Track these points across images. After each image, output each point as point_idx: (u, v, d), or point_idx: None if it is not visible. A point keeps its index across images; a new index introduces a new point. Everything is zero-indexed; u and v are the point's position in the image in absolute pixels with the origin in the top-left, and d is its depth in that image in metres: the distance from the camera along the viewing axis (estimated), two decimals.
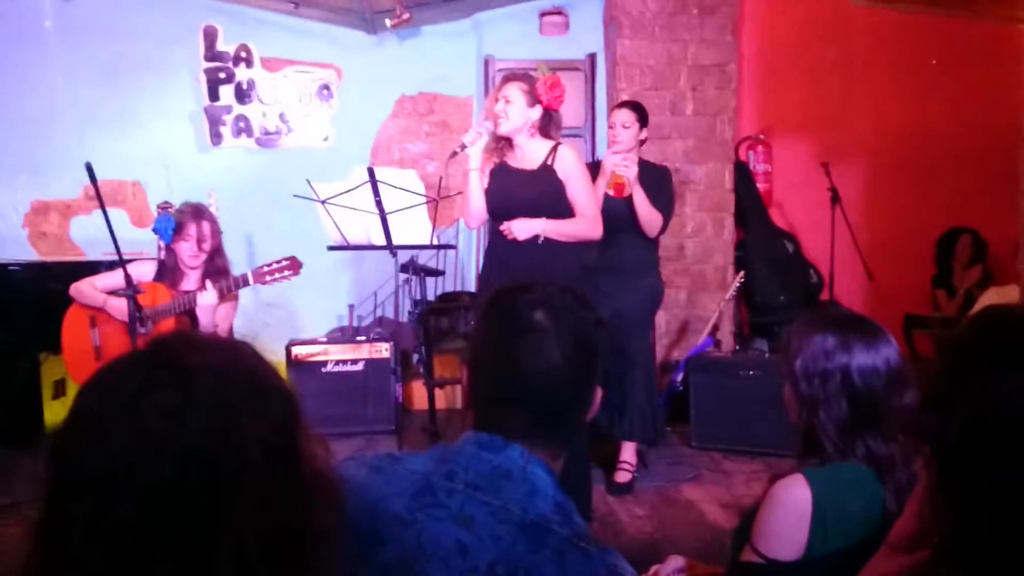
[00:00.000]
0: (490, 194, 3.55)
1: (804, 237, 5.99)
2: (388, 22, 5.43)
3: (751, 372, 4.53)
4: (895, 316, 5.59)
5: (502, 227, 3.48)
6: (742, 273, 4.87)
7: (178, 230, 3.75)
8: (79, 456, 0.79)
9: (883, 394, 1.72)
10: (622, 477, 4.04)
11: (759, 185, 5.92)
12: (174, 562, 0.76)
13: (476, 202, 3.54)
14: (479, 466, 1.24)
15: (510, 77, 3.60)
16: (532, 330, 1.28)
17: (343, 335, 5.33)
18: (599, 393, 1.36)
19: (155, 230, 3.80)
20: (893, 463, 1.70)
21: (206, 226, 3.79)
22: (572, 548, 1.17)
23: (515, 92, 3.48)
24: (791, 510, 1.66)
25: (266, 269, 3.62)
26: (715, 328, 4.83)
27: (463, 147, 3.52)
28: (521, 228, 3.44)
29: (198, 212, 3.83)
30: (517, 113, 3.47)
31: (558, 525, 1.19)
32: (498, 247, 3.57)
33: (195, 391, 0.81)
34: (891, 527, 1.62)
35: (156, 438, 0.78)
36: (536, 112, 3.50)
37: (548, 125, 3.57)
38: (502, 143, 3.58)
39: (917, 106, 6.02)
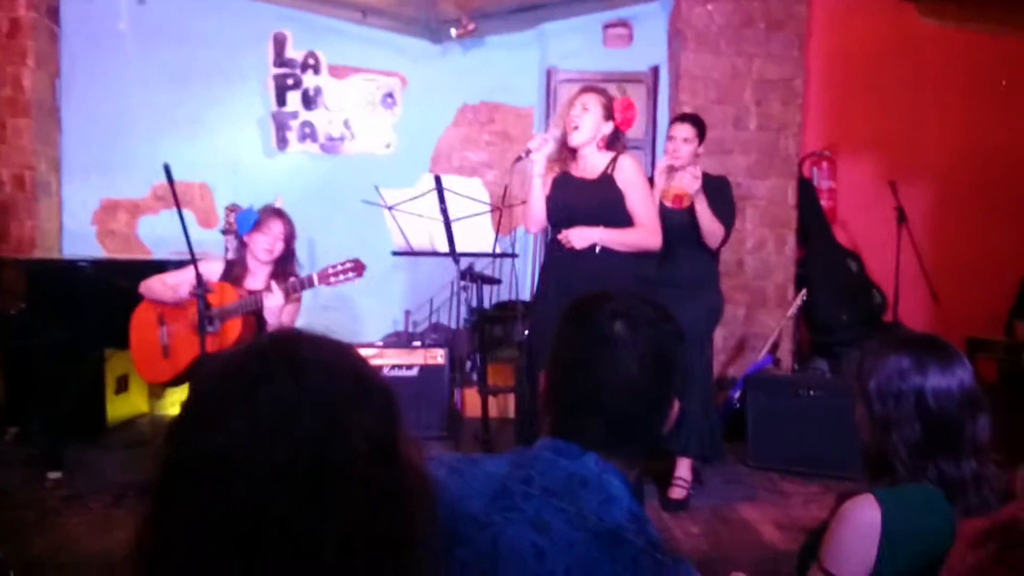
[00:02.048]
0: (551, 202, 3.59)
1: (868, 256, 5.89)
2: (453, 32, 5.50)
3: (811, 392, 4.47)
4: (958, 339, 5.46)
5: (560, 235, 3.50)
6: (804, 291, 4.81)
7: (258, 224, 3.84)
8: (198, 439, 0.83)
9: (957, 417, 1.70)
10: (677, 493, 4.00)
11: (823, 202, 5.84)
12: (282, 547, 0.79)
13: (537, 207, 3.58)
14: (555, 472, 1.25)
15: (589, 88, 3.66)
16: (612, 340, 1.29)
17: (399, 340, 5.38)
18: (676, 406, 1.36)
19: (237, 220, 3.90)
20: (964, 486, 1.68)
21: (286, 225, 3.89)
22: (646, 558, 1.17)
23: (594, 102, 3.54)
24: (860, 530, 1.65)
25: (331, 271, 3.67)
26: (775, 346, 4.78)
27: (528, 152, 3.57)
28: (579, 236, 3.46)
29: (280, 212, 3.94)
30: (591, 123, 3.53)
31: (633, 534, 1.19)
32: (555, 256, 3.59)
33: (308, 383, 0.84)
34: None
35: (271, 425, 0.81)
36: (608, 127, 3.56)
37: (614, 143, 3.62)
38: (566, 153, 3.61)
39: (986, 127, 5.90)
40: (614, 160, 3.57)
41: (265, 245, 3.85)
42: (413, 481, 0.89)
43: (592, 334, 1.31)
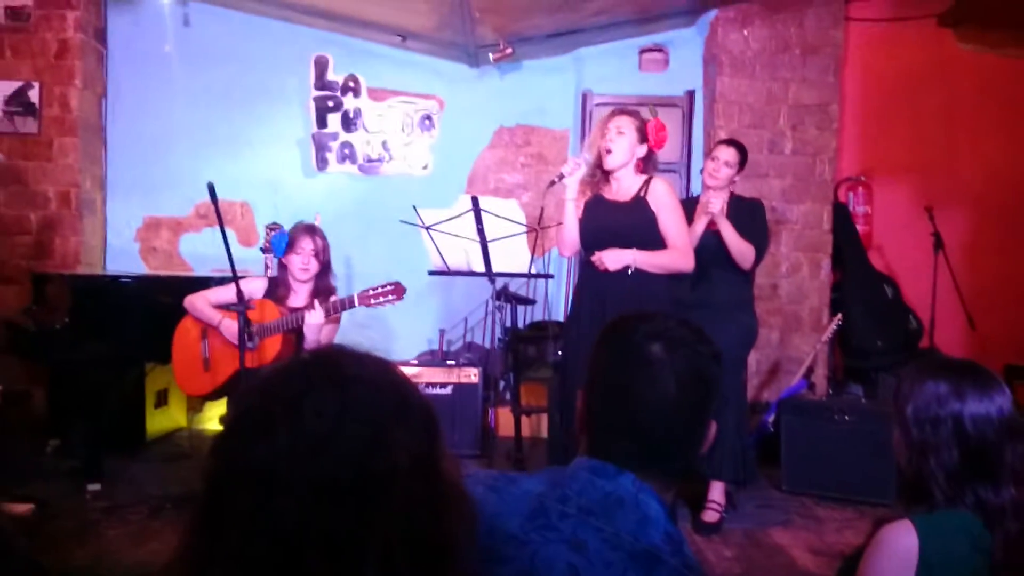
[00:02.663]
0: (584, 224, 3.61)
1: (904, 282, 5.85)
2: (491, 56, 5.56)
3: (846, 417, 4.44)
4: (996, 366, 5.39)
5: (593, 257, 3.52)
6: (839, 316, 4.78)
7: (291, 244, 3.91)
8: (243, 451, 0.84)
9: (995, 443, 1.70)
10: (710, 516, 3.99)
11: (859, 227, 5.81)
12: (325, 559, 0.80)
13: (571, 231, 3.60)
14: (592, 492, 1.25)
15: (621, 111, 3.68)
16: (649, 362, 1.29)
17: (433, 358, 5.42)
18: (713, 428, 1.36)
19: (272, 244, 3.97)
20: (1003, 513, 1.67)
21: (319, 241, 3.94)
22: None
23: (628, 126, 3.56)
24: (897, 556, 1.65)
25: (371, 293, 3.71)
26: (809, 370, 4.75)
27: (561, 176, 3.59)
28: (612, 259, 3.48)
29: (311, 228, 4.00)
30: (627, 147, 3.56)
31: (669, 555, 1.19)
32: (589, 277, 3.61)
33: (351, 398, 0.86)
34: None
35: (315, 438, 0.83)
36: (643, 151, 3.59)
37: (648, 164, 3.65)
38: (598, 175, 3.64)
39: (1022, 153, 5.85)
40: (647, 183, 3.59)
41: (300, 264, 3.90)
42: (453, 497, 0.91)
43: (629, 355, 1.32)
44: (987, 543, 1.64)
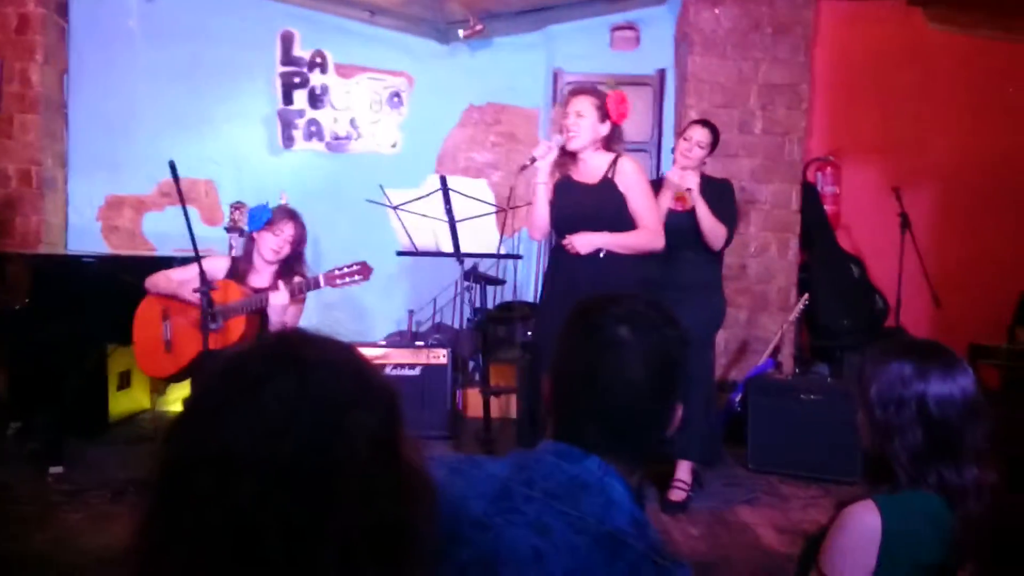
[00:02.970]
0: (554, 208, 3.59)
1: (871, 262, 5.89)
2: (461, 33, 5.52)
3: (812, 396, 4.48)
4: (960, 345, 5.46)
5: (564, 241, 3.50)
6: (806, 296, 4.81)
7: (270, 223, 3.85)
8: (201, 436, 0.83)
9: (958, 424, 1.70)
10: (676, 496, 4.01)
11: (826, 207, 5.84)
12: (283, 544, 0.79)
13: (542, 215, 3.58)
14: (558, 475, 1.25)
15: (579, 90, 3.63)
16: (616, 344, 1.28)
17: (402, 340, 5.39)
18: (679, 410, 1.36)
19: (250, 215, 3.91)
20: (966, 492, 1.68)
21: (297, 229, 3.88)
22: (647, 562, 1.17)
23: (587, 106, 3.51)
24: (860, 536, 1.66)
25: (337, 273, 3.67)
26: (776, 350, 4.78)
27: (533, 160, 3.55)
28: (583, 242, 3.47)
29: (294, 215, 3.94)
30: (589, 128, 3.52)
31: (634, 539, 1.19)
32: (560, 260, 3.60)
33: (310, 383, 0.85)
34: (960, 557, 1.61)
35: (274, 423, 0.82)
36: (606, 128, 3.55)
37: (613, 139, 3.61)
38: (567, 157, 3.61)
39: (991, 134, 5.89)
40: (614, 163, 3.56)
41: (273, 245, 3.85)
42: (413, 481, 0.90)
43: (597, 338, 1.31)
44: (949, 523, 1.65)
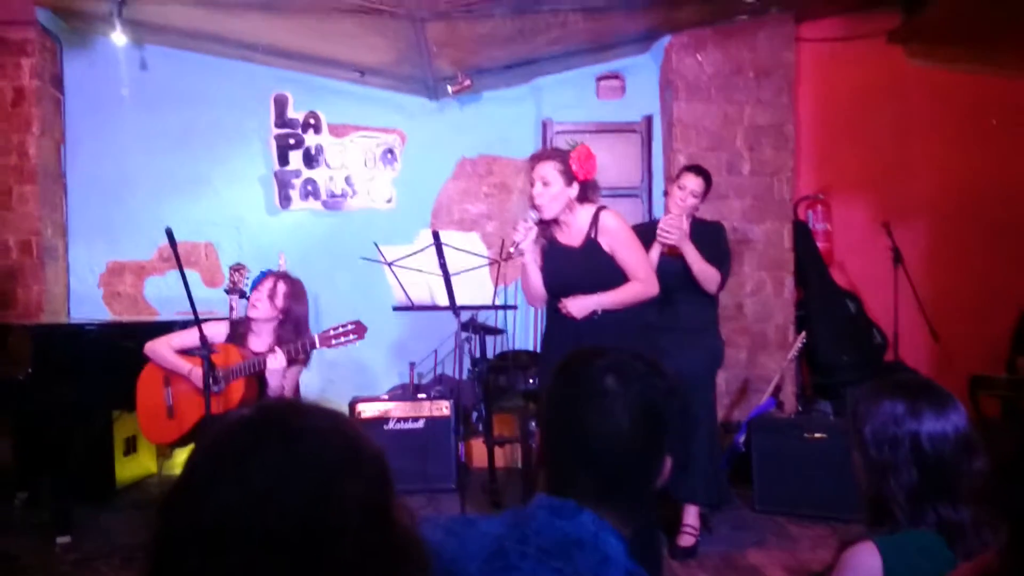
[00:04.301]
0: (544, 273, 3.52)
1: (867, 297, 5.91)
2: (450, 89, 5.61)
3: (815, 435, 4.48)
4: (960, 377, 5.48)
5: (560, 305, 3.45)
6: (804, 333, 4.83)
7: (255, 284, 3.90)
8: (191, 510, 0.85)
9: (953, 461, 1.71)
10: (685, 541, 3.99)
11: (819, 244, 5.88)
12: None
13: (536, 286, 3.52)
14: (551, 532, 1.26)
15: (541, 156, 3.54)
16: (602, 395, 1.31)
17: (404, 393, 5.40)
18: (668, 462, 1.37)
19: (251, 282, 3.96)
20: (964, 530, 1.68)
21: (281, 285, 3.89)
22: None
23: (551, 172, 3.41)
24: None
25: (332, 333, 3.69)
26: (777, 389, 4.79)
27: (516, 245, 3.44)
28: (578, 307, 3.40)
29: (281, 274, 3.98)
30: (557, 195, 3.42)
31: None
32: (558, 320, 3.52)
33: (298, 452, 0.87)
34: None
35: (263, 495, 0.83)
36: (575, 189, 3.45)
37: (587, 193, 3.51)
38: (546, 224, 3.51)
39: (977, 167, 5.95)
40: (596, 218, 3.47)
41: (256, 299, 3.88)
42: (406, 546, 0.91)
43: (582, 388, 1.33)
44: (950, 561, 1.66)
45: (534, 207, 3.45)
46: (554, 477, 1.34)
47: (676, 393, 1.37)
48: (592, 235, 3.46)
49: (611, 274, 3.45)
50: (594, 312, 3.39)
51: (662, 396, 1.35)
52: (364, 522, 0.86)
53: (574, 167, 3.42)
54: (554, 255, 3.53)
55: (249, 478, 0.84)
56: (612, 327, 3.36)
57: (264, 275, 3.95)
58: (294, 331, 3.88)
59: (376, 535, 0.87)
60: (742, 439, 4.66)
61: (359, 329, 3.68)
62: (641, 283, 3.44)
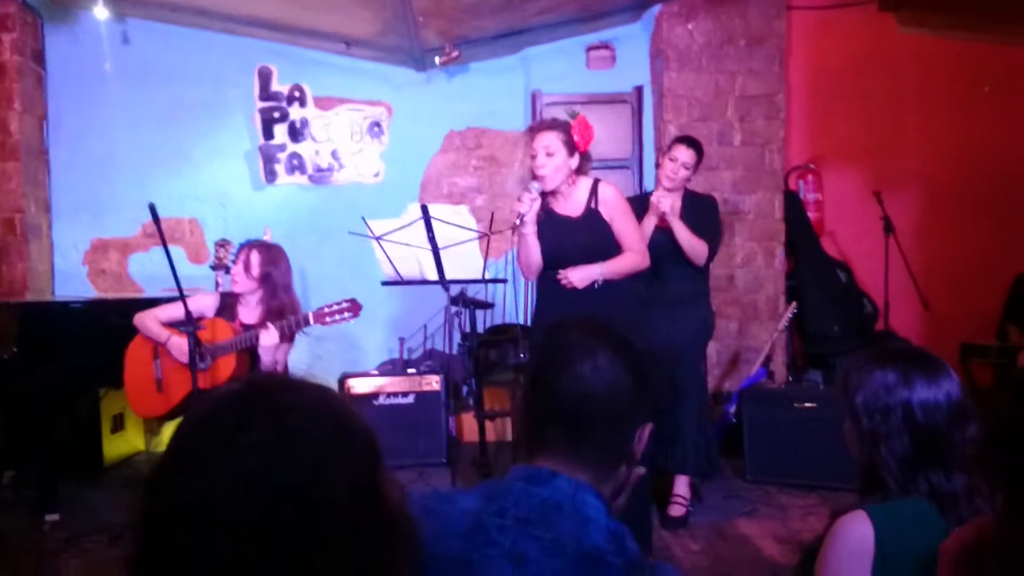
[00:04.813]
0: (542, 244, 3.50)
1: (857, 266, 5.91)
2: (437, 60, 5.54)
3: (805, 404, 4.48)
4: (951, 345, 5.49)
5: (559, 276, 3.44)
6: (794, 304, 4.82)
7: (235, 258, 3.86)
8: (178, 488, 0.83)
9: (945, 429, 1.71)
10: (676, 511, 4.01)
11: (810, 214, 5.87)
12: None
13: (534, 258, 3.51)
14: (528, 500, 1.25)
15: (543, 126, 3.53)
16: (579, 356, 1.32)
17: (394, 368, 5.38)
18: (648, 429, 1.37)
19: (233, 256, 3.93)
20: (956, 498, 1.68)
21: (254, 254, 3.82)
22: None
23: (555, 142, 3.42)
24: (854, 547, 1.65)
25: (327, 311, 3.63)
26: (768, 359, 4.79)
27: (521, 216, 3.41)
28: (580, 277, 3.41)
29: (254, 243, 3.92)
30: (560, 165, 3.42)
31: (612, 555, 1.19)
32: (553, 290, 3.51)
33: (286, 429, 0.85)
34: None
35: (250, 473, 0.82)
36: (576, 160, 3.46)
37: (584, 167, 3.54)
38: (545, 195, 3.51)
39: (970, 134, 5.93)
40: (594, 190, 3.50)
41: (236, 273, 3.85)
42: (396, 523, 0.90)
43: (561, 351, 1.35)
44: (942, 529, 1.65)
45: (536, 177, 3.43)
46: (528, 439, 1.35)
47: (657, 360, 1.39)
48: (592, 205, 3.49)
49: (610, 244, 3.49)
50: (595, 281, 3.40)
51: (639, 360, 1.35)
52: (354, 499, 0.85)
53: (576, 137, 3.43)
54: (552, 226, 3.52)
55: (237, 455, 0.82)
56: (611, 302, 3.35)
57: (241, 247, 3.90)
58: (280, 296, 3.82)
59: (366, 512, 0.86)
60: (733, 409, 4.66)
61: (354, 307, 3.64)
62: (635, 254, 3.49)
